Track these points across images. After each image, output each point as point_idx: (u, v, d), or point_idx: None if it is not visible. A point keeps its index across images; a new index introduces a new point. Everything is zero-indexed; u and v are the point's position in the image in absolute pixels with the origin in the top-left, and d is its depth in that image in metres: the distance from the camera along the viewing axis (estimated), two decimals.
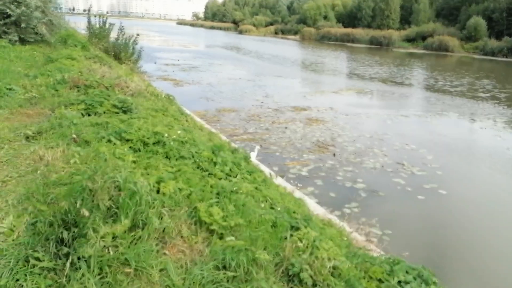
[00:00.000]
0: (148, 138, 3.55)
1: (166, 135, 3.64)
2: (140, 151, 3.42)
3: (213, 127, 10.79)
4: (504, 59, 44.49)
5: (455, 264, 5.48)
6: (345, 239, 3.55)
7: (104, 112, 4.66)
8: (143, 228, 2.19)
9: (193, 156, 3.53)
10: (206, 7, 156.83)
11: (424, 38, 55.71)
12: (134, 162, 3.09)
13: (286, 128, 11.74)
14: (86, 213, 1.97)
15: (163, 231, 2.29)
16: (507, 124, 13.54)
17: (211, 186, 3.01)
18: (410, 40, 58.35)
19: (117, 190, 2.17)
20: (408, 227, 6.39)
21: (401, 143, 10.71)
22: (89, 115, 4.59)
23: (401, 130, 12.16)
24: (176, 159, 3.38)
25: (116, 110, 4.74)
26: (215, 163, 3.59)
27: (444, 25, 57.85)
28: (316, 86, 20.11)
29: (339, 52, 46.35)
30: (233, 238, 2.37)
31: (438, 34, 53.12)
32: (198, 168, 3.43)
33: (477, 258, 5.66)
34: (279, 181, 5.57)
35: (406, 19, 67.34)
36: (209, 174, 3.38)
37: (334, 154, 9.59)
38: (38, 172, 2.95)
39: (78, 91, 5.69)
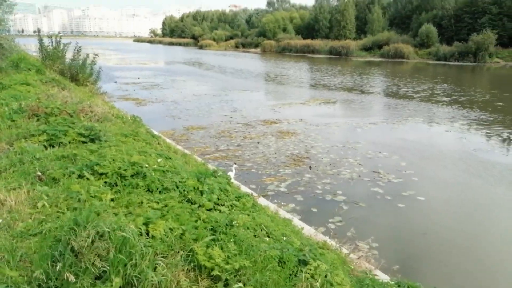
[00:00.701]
0: (125, 170, 3.18)
1: (145, 165, 3.28)
2: (117, 185, 3.05)
3: (183, 147, 10.41)
4: (456, 63, 46.96)
5: (443, 271, 5.41)
6: (347, 265, 3.33)
7: (70, 142, 4.20)
8: (137, 286, 1.85)
9: (177, 187, 3.20)
10: (164, 24, 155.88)
11: (380, 46, 57.90)
12: (113, 200, 2.72)
13: (258, 143, 11.53)
14: (72, 278, 1.62)
15: (159, 284, 1.96)
16: (469, 125, 14.04)
17: (204, 221, 2.70)
18: (367, 49, 60.43)
19: (102, 241, 1.82)
20: (393, 238, 6.30)
21: (373, 151, 10.78)
22: (52, 146, 4.11)
23: (372, 138, 12.27)
24: (160, 192, 3.04)
25: (83, 139, 4.29)
26: (201, 192, 3.28)
27: (398, 33, 60.47)
28: (283, 98, 20.14)
29: (301, 63, 47.14)
30: (241, 285, 2.06)
31: (393, 42, 55.41)
32: (185, 200, 3.10)
33: (465, 263, 5.63)
34: (261, 201, 5.31)
35: (361, 29, 69.93)
36: (198, 206, 3.05)
37: (310, 167, 9.46)
38: (0, 220, 2.51)
39: (38, 120, 5.19)
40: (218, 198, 3.33)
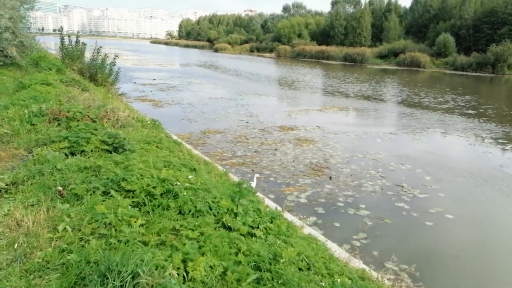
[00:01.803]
0: (154, 187, 2.91)
1: (176, 182, 3.01)
2: (145, 204, 2.77)
3: (200, 151, 10.19)
4: (474, 73, 46.13)
5: None
6: None
7: (92, 151, 3.98)
8: None
9: (210, 208, 2.92)
10: (180, 26, 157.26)
11: (396, 54, 57.28)
12: (142, 225, 2.45)
13: (276, 149, 11.25)
14: None
15: None
16: (493, 139, 13.55)
17: (244, 254, 2.41)
18: (382, 56, 59.86)
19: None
20: (424, 261, 5.93)
21: (396, 163, 10.40)
22: (73, 154, 3.89)
23: (393, 149, 11.90)
24: (193, 215, 2.76)
25: (106, 147, 4.08)
26: (235, 214, 3.00)
27: (414, 42, 59.79)
28: (300, 104, 19.83)
29: (316, 69, 46.78)
30: None
31: (409, 51, 54.78)
32: (220, 224, 2.82)
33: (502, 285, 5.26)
34: (287, 216, 5.03)
35: (377, 37, 69.38)
36: (236, 232, 2.73)
37: (330, 178, 9.14)
38: (16, 246, 2.23)
39: (59, 125, 4.91)
40: (253, 220, 3.04)
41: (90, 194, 2.80)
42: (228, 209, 3.00)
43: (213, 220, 2.74)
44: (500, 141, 13.38)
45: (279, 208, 5.25)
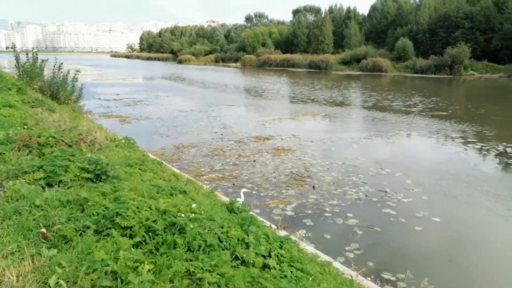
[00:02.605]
0: (154, 221, 2.49)
1: (180, 214, 2.62)
2: (146, 243, 2.37)
3: (175, 167, 9.75)
4: (433, 75, 48.08)
5: None
6: None
7: (72, 180, 3.50)
8: None
9: (220, 241, 2.56)
10: (142, 38, 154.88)
11: (358, 60, 58.84)
12: (150, 270, 2.06)
13: (254, 161, 10.99)
14: None
15: None
16: (463, 139, 13.91)
17: None
18: (345, 62, 61.31)
19: None
20: (419, 267, 5.81)
21: (375, 168, 10.40)
22: (50, 185, 3.41)
23: (370, 154, 11.93)
24: (203, 251, 2.40)
25: (87, 175, 3.62)
26: (247, 244, 2.68)
27: (374, 47, 61.68)
28: (272, 113, 19.70)
29: (284, 78, 47.08)
30: None
31: (371, 56, 56.42)
32: (233, 258, 2.48)
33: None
34: (283, 233, 4.75)
35: (339, 44, 71.13)
36: (259, 269, 2.38)
37: (313, 187, 8.97)
38: None
39: (30, 152, 4.35)
40: (264, 248, 2.71)
41: (80, 235, 2.37)
42: (238, 239, 2.66)
43: (228, 255, 2.40)
44: (470, 140, 13.76)
45: (273, 226, 4.97)
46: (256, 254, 2.59)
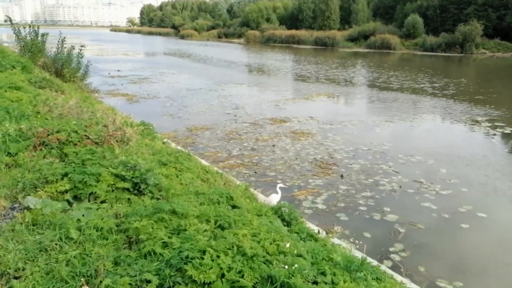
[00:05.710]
0: (239, 272, 1.73)
1: (285, 266, 1.85)
2: None
3: (189, 151, 9.08)
4: (444, 54, 46.69)
5: None
6: None
7: (106, 192, 2.71)
8: None
9: None
10: (142, 13, 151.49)
11: (366, 37, 57.08)
12: None
13: (274, 146, 10.34)
14: None
15: None
16: (491, 122, 13.17)
17: None
18: (352, 39, 59.56)
19: None
20: (476, 274, 5.24)
21: (404, 154, 9.73)
22: (78, 199, 2.60)
23: (395, 139, 11.26)
24: None
25: (124, 185, 2.84)
26: None
27: (382, 24, 59.81)
28: (285, 93, 18.87)
29: (291, 55, 45.74)
30: None
31: (379, 33, 54.68)
32: None
33: None
34: (334, 241, 4.15)
35: (346, 20, 69.04)
36: None
37: (342, 176, 8.34)
38: None
39: (49, 152, 3.44)
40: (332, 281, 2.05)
41: None
42: None
43: None
44: (498, 124, 13.02)
45: (322, 232, 4.36)
46: None
